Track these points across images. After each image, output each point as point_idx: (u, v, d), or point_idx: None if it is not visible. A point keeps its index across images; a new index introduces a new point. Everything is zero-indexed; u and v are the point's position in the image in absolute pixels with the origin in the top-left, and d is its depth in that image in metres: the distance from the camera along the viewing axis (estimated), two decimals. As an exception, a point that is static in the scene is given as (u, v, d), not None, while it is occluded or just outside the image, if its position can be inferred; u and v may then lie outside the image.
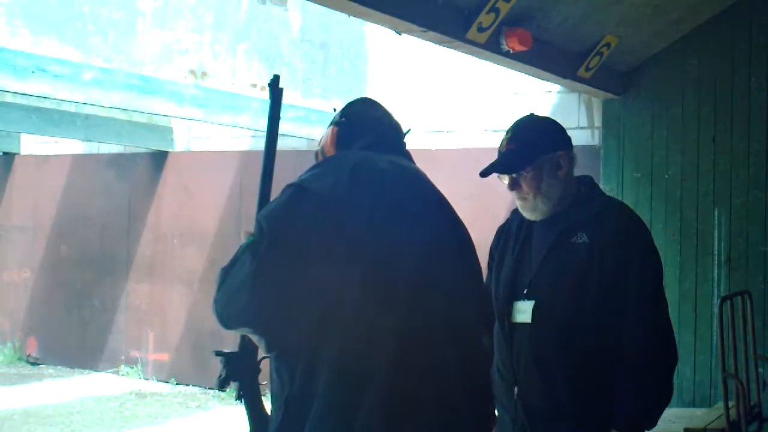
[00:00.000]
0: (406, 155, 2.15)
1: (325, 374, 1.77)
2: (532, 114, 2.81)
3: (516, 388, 2.60)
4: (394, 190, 1.92)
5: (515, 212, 2.80)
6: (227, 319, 1.80)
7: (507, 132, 2.71)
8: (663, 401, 2.56)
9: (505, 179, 2.66)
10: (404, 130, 2.20)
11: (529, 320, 2.58)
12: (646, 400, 2.50)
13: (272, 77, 2.11)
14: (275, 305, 1.76)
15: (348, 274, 1.77)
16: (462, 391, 1.90)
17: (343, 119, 2.13)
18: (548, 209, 2.64)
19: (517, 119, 2.75)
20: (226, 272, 1.83)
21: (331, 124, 2.16)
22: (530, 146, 2.64)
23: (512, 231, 2.76)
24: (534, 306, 2.58)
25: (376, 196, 1.87)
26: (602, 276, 2.51)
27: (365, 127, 2.11)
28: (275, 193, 1.97)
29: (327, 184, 1.83)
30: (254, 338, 1.87)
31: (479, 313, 2.04)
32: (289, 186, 1.87)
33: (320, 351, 1.78)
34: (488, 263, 2.80)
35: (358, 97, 2.28)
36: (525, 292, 2.61)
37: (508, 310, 2.64)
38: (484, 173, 2.68)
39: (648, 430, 2.57)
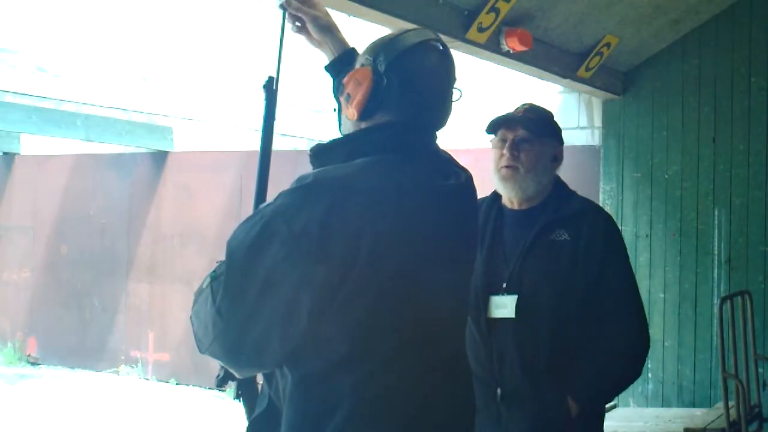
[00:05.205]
0: (435, 152, 1.95)
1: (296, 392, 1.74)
2: None
3: (499, 390, 2.49)
4: (383, 222, 1.69)
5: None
6: (198, 346, 1.78)
7: (522, 105, 2.69)
8: (625, 382, 2.65)
9: (507, 139, 2.59)
10: (452, 102, 1.92)
11: (513, 315, 2.47)
12: (609, 380, 2.54)
13: (266, 79, 2.07)
14: (237, 346, 1.70)
15: (323, 305, 1.65)
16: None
17: (387, 74, 1.77)
18: (530, 193, 2.59)
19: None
20: (198, 294, 1.75)
21: (370, 62, 1.79)
22: (546, 124, 2.65)
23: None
24: (518, 300, 2.48)
25: (358, 233, 1.65)
26: (586, 273, 2.48)
27: (403, 98, 1.79)
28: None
29: (301, 219, 1.64)
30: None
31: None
32: (261, 217, 1.68)
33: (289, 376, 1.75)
34: None
35: (420, 37, 1.80)
36: (504, 286, 2.51)
37: (485, 306, 2.52)
38: (501, 123, 2.62)
39: (604, 403, 2.62)
